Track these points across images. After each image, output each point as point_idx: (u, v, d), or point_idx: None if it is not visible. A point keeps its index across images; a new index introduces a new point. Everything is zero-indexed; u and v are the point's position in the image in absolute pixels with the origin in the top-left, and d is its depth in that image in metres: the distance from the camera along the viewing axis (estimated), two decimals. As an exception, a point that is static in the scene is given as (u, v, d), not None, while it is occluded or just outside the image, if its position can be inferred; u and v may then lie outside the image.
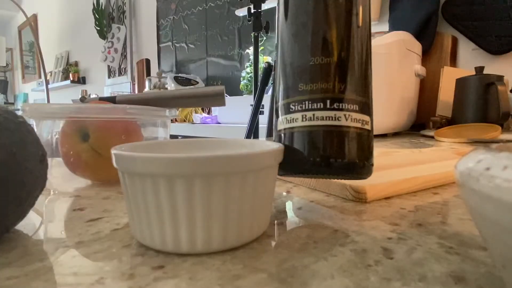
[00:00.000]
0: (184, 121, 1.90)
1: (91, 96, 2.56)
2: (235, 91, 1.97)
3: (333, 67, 0.21)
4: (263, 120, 1.21)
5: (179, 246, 0.17)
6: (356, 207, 0.26)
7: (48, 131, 0.34)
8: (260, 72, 1.29)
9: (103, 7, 3.32)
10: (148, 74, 2.64)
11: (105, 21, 3.32)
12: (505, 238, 0.10)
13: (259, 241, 0.19)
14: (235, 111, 1.62)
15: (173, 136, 1.63)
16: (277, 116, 0.23)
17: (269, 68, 1.18)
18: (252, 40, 1.28)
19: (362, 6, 0.22)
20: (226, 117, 1.71)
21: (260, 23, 1.26)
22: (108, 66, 3.32)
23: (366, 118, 0.22)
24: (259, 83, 1.23)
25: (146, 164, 0.16)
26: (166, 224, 0.17)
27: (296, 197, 0.29)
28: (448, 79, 1.05)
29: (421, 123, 1.15)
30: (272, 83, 1.12)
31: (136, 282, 0.15)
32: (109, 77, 3.38)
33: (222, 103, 0.43)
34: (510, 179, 0.09)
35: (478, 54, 1.15)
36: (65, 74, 4.02)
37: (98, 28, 3.31)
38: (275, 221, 0.23)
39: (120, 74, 3.22)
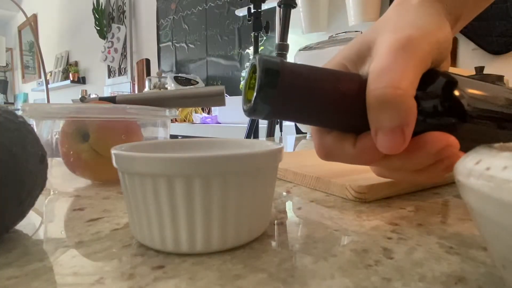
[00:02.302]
0: (184, 121, 1.90)
1: (91, 96, 2.56)
2: (235, 91, 1.97)
3: None
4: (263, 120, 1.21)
5: (179, 246, 0.17)
6: (356, 207, 0.26)
7: (48, 131, 0.34)
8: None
9: (103, 7, 3.32)
10: (148, 74, 2.64)
11: (105, 21, 3.32)
12: (505, 238, 0.10)
13: (259, 241, 0.19)
14: (235, 111, 1.62)
15: (173, 136, 1.63)
16: None
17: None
18: (252, 40, 1.28)
19: None
20: (226, 117, 1.71)
21: (260, 23, 1.25)
22: (108, 66, 3.33)
23: None
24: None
25: (146, 164, 0.16)
26: (166, 224, 0.17)
27: (296, 197, 0.29)
28: (448, 79, 1.05)
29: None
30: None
31: (136, 282, 0.15)
32: (109, 77, 3.38)
33: (222, 103, 0.43)
34: (510, 179, 0.09)
35: (478, 54, 1.15)
36: (65, 74, 4.02)
37: (98, 28, 3.31)
38: (275, 221, 0.23)
39: (120, 74, 3.22)
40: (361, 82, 0.21)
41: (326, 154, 0.24)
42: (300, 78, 0.20)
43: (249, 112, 0.21)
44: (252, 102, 0.20)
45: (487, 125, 0.23)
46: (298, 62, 1.01)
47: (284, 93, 0.20)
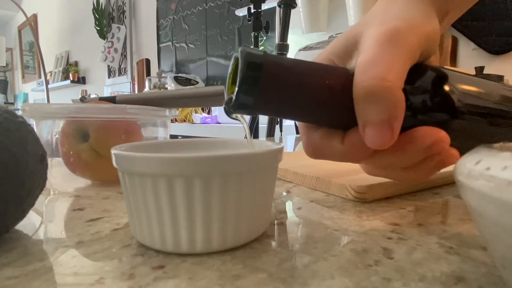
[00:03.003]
0: (184, 121, 1.90)
1: (91, 96, 2.56)
2: (235, 91, 1.97)
3: None
4: (263, 120, 1.21)
5: (179, 246, 0.17)
6: (356, 207, 0.26)
7: (48, 131, 0.34)
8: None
9: (103, 7, 3.32)
10: (148, 74, 2.64)
11: (105, 21, 3.32)
12: (505, 238, 0.10)
13: (259, 241, 0.19)
14: (235, 111, 1.62)
15: (173, 136, 1.63)
16: None
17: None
18: (252, 40, 1.28)
19: None
20: (226, 117, 1.70)
21: (260, 23, 1.26)
22: (108, 66, 3.33)
23: None
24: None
25: (146, 164, 0.16)
26: (166, 224, 0.17)
27: (296, 197, 0.29)
28: (448, 79, 1.05)
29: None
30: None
31: (136, 282, 0.15)
32: (109, 77, 3.38)
33: (222, 103, 0.43)
34: (510, 179, 0.09)
35: (478, 54, 1.15)
36: (65, 74, 4.02)
37: (98, 28, 3.31)
38: (275, 221, 0.23)
39: (120, 74, 3.22)
40: (348, 76, 0.20)
41: (314, 151, 0.23)
42: (284, 72, 0.19)
43: (231, 108, 0.20)
44: (234, 97, 0.19)
45: (479, 122, 0.22)
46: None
47: (268, 87, 0.19)
